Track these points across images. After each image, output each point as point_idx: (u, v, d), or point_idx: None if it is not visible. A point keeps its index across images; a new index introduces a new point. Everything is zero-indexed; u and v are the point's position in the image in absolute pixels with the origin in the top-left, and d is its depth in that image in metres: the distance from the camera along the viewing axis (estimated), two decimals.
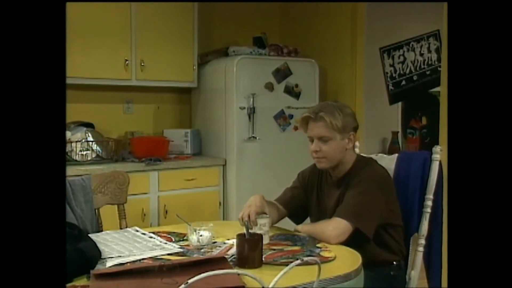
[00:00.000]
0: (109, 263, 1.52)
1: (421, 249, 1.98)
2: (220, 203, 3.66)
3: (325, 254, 1.61)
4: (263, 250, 1.55)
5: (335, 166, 1.96)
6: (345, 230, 1.75)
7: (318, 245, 1.72)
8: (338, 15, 4.08)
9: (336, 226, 1.76)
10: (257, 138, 3.62)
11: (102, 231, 2.14)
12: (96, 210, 2.25)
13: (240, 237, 1.55)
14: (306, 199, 2.09)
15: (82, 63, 3.22)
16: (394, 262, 1.94)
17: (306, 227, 1.90)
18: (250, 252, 1.50)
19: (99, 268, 1.47)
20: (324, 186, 2.04)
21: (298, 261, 1.13)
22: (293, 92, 3.79)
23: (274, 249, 1.67)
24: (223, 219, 3.61)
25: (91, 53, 3.28)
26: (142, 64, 3.49)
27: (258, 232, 1.66)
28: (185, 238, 1.80)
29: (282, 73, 3.74)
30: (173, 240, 1.80)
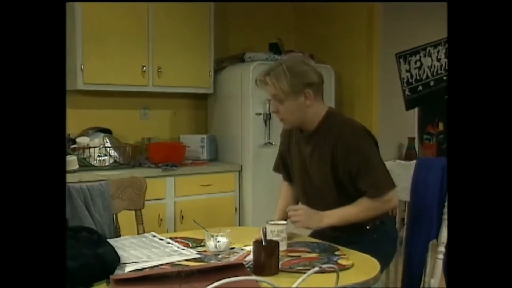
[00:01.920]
0: (128, 269, 1.53)
1: (440, 256, 1.95)
2: (236, 208, 3.66)
3: (343, 261, 1.60)
4: (280, 257, 1.54)
5: (302, 124, 1.96)
6: (395, 195, 1.87)
7: (336, 252, 1.71)
8: (354, 21, 4.07)
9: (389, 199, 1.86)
10: (273, 143, 3.62)
11: (120, 236, 2.16)
12: (114, 216, 2.27)
13: (257, 243, 1.54)
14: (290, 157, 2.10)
15: (99, 69, 3.27)
16: (377, 222, 1.94)
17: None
18: (267, 259, 1.50)
19: (118, 273, 1.49)
20: (296, 142, 2.03)
21: (316, 269, 1.13)
22: None
23: (291, 256, 1.66)
24: (239, 224, 3.61)
25: (108, 59, 3.32)
26: (159, 70, 3.52)
27: (275, 239, 1.66)
28: (202, 244, 1.80)
29: None
30: (190, 245, 1.80)
